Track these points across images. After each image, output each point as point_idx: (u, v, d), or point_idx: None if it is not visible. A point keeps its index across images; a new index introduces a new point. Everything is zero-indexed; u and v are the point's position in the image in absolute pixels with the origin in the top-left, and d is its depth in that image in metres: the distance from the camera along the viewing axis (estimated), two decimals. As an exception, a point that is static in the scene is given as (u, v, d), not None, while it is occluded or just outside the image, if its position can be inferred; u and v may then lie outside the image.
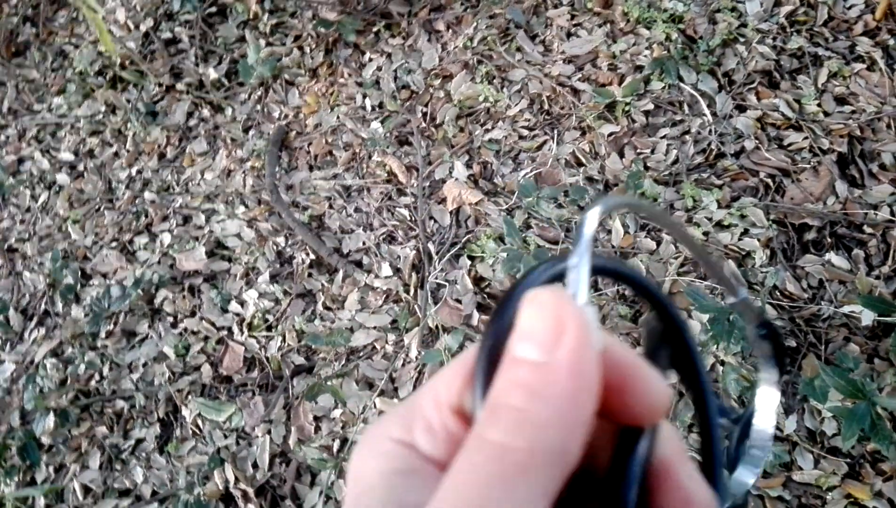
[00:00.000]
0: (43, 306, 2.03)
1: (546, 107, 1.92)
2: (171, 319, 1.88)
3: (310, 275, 1.84)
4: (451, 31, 2.12)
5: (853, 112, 1.73)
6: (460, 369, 0.24)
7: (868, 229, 1.57)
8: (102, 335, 1.89)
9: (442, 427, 0.23)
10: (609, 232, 1.70)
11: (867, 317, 1.43)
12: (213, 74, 2.22)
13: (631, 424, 0.23)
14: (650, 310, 0.28)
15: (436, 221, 1.84)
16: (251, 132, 2.14)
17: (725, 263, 1.58)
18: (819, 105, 1.75)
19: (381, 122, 2.03)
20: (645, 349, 0.28)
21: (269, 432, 1.65)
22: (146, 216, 2.07)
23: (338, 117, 2.07)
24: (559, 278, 0.24)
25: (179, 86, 2.26)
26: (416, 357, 1.64)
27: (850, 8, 1.88)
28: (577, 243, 0.22)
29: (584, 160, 1.81)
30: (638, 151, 1.79)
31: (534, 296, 0.21)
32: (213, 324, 1.83)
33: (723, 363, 1.47)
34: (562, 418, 0.19)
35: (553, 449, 0.19)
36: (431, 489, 0.21)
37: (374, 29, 2.17)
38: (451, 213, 1.83)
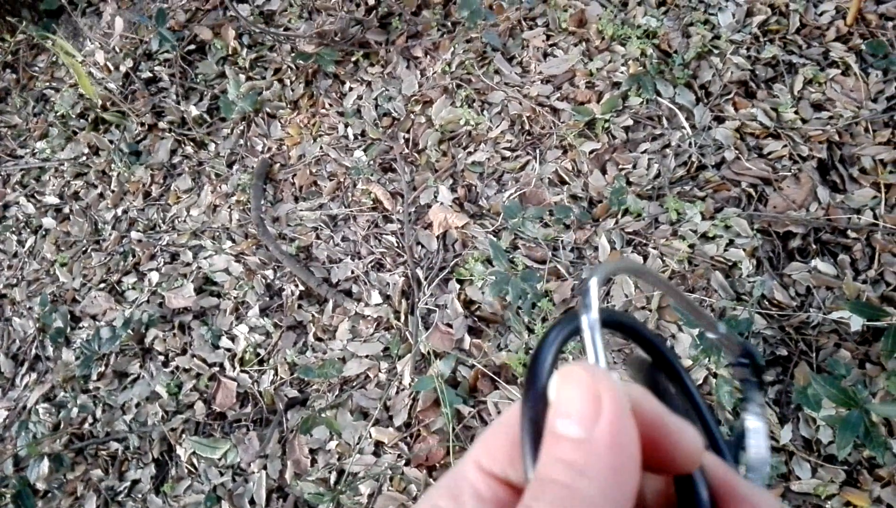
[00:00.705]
0: (33, 351, 2.02)
1: (527, 127, 1.93)
2: (162, 358, 1.87)
3: (300, 307, 1.84)
4: (429, 57, 2.14)
5: (830, 118, 1.74)
6: (500, 435, 0.24)
7: (852, 234, 1.58)
8: (94, 377, 1.88)
9: (492, 496, 0.24)
10: (596, 249, 1.70)
11: (856, 322, 1.43)
12: (194, 110, 2.23)
13: (675, 473, 0.24)
14: (641, 350, 0.30)
15: (423, 246, 1.84)
16: (235, 167, 2.15)
17: (712, 274, 1.59)
18: (796, 112, 1.76)
19: (364, 150, 2.04)
20: (644, 382, 0.30)
21: (265, 467, 1.64)
22: (133, 256, 2.07)
23: (321, 148, 2.07)
24: (574, 333, 0.25)
25: (162, 124, 2.27)
26: (410, 384, 1.64)
27: (821, 15, 1.91)
28: (587, 310, 0.24)
29: (567, 178, 1.82)
30: (620, 166, 1.80)
31: (568, 372, 0.22)
32: (204, 361, 1.82)
33: (715, 375, 1.47)
34: (607, 492, 0.20)
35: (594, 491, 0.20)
36: None
37: (353, 59, 2.19)
38: (437, 237, 1.83)
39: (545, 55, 2.03)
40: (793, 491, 1.36)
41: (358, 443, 1.59)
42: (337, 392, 1.69)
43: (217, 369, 1.80)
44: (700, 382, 1.48)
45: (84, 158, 2.32)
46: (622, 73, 1.91)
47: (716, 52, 1.88)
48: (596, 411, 0.21)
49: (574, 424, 0.21)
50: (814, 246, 1.59)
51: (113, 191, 2.23)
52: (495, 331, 1.66)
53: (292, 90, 2.22)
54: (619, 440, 0.21)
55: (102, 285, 2.04)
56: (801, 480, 1.36)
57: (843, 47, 1.84)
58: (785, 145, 1.71)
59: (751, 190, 1.68)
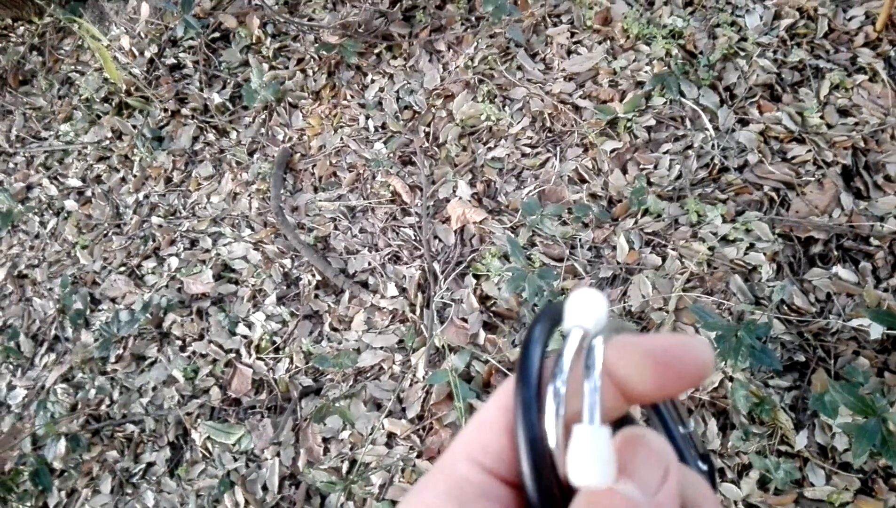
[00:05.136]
0: (53, 332, 2.05)
1: (548, 124, 1.93)
2: (179, 342, 1.89)
3: (316, 296, 1.85)
4: (451, 51, 2.13)
5: (856, 124, 1.72)
6: (490, 430, 0.24)
7: (875, 242, 1.57)
8: (112, 359, 1.90)
9: (496, 495, 0.23)
10: (614, 249, 1.70)
11: (876, 330, 1.42)
12: (217, 98, 2.24)
13: None
14: None
15: (440, 240, 1.85)
16: (256, 155, 2.16)
17: (732, 278, 1.58)
18: (822, 117, 1.74)
19: (385, 142, 2.04)
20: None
21: (278, 454, 1.65)
22: (153, 241, 2.09)
23: (341, 139, 2.08)
24: (557, 325, 0.25)
25: (184, 111, 2.29)
26: (424, 377, 1.64)
27: (850, 20, 1.89)
28: (590, 371, 0.23)
29: (587, 177, 1.82)
30: (641, 166, 1.79)
31: (645, 439, 0.23)
32: (221, 347, 1.84)
33: (731, 379, 1.47)
34: None
35: None
36: None
37: (376, 51, 2.19)
38: (455, 232, 1.84)
39: (569, 52, 2.03)
40: (806, 498, 1.35)
41: (371, 434, 1.60)
42: (351, 383, 1.70)
43: (233, 355, 1.82)
44: (716, 385, 1.47)
45: (107, 141, 2.34)
46: (646, 72, 1.90)
47: (742, 54, 1.87)
48: (661, 481, 0.22)
49: (632, 485, 0.21)
50: (835, 252, 1.58)
51: (135, 176, 2.25)
52: (510, 327, 1.67)
53: (315, 81, 2.22)
54: None
55: (122, 269, 2.07)
56: (814, 487, 1.35)
57: (872, 53, 1.82)
58: (809, 150, 1.70)
59: (773, 194, 1.67)
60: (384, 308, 1.77)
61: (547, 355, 0.25)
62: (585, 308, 0.24)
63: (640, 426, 0.23)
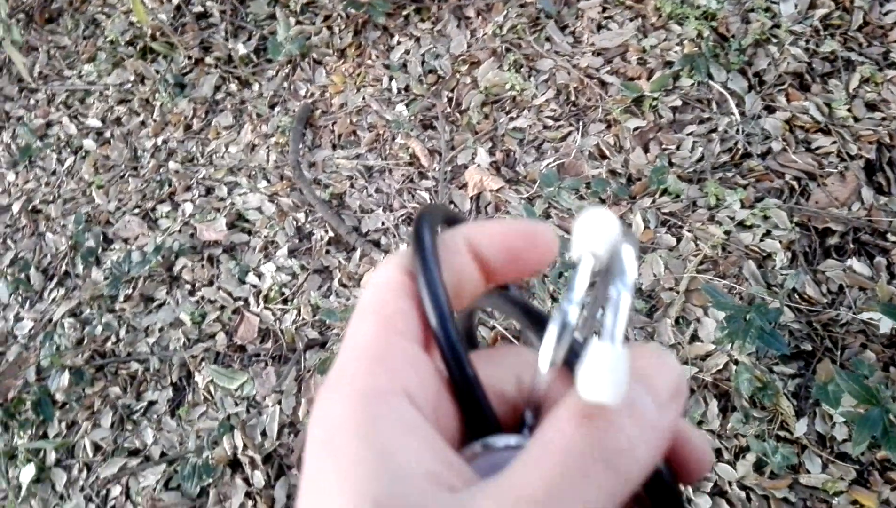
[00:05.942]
0: (63, 268, 2.06)
1: (573, 98, 1.92)
2: (188, 287, 1.90)
3: (328, 252, 1.85)
4: (480, 17, 2.12)
5: (883, 119, 1.71)
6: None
7: (892, 237, 1.55)
8: (121, 298, 1.92)
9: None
10: (629, 226, 1.69)
11: (885, 325, 1.42)
12: (242, 49, 2.23)
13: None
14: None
15: (456, 205, 1.84)
16: (277, 109, 2.15)
17: (745, 263, 1.57)
18: (849, 110, 1.73)
19: (407, 105, 2.03)
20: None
21: (279, 402, 1.67)
22: (169, 186, 2.09)
23: (363, 98, 2.07)
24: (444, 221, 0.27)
25: (208, 59, 2.28)
26: (429, 339, 1.65)
27: (886, 14, 1.86)
28: (567, 304, 0.22)
29: (608, 153, 1.81)
30: (663, 146, 1.78)
31: (664, 355, 0.22)
32: (230, 294, 1.85)
33: (736, 362, 1.47)
34: (648, 460, 0.21)
35: (630, 477, 0.20)
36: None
37: (404, 12, 2.17)
38: (471, 198, 1.83)
39: (599, 27, 2.01)
40: (801, 484, 1.36)
41: (372, 389, 1.61)
42: (356, 338, 1.70)
43: (241, 303, 1.83)
44: (720, 367, 1.47)
45: (129, 85, 2.34)
46: (676, 52, 1.88)
47: (774, 40, 1.84)
48: (673, 395, 0.21)
49: (643, 389, 0.21)
50: (851, 245, 1.57)
51: (155, 120, 2.25)
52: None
53: (340, 38, 2.21)
54: (672, 428, 0.22)
55: (137, 211, 2.07)
56: (810, 474, 1.36)
57: (906, 50, 1.80)
58: (834, 142, 1.68)
59: (794, 183, 1.66)
60: (394, 268, 1.77)
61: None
62: (596, 231, 0.21)
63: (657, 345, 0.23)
